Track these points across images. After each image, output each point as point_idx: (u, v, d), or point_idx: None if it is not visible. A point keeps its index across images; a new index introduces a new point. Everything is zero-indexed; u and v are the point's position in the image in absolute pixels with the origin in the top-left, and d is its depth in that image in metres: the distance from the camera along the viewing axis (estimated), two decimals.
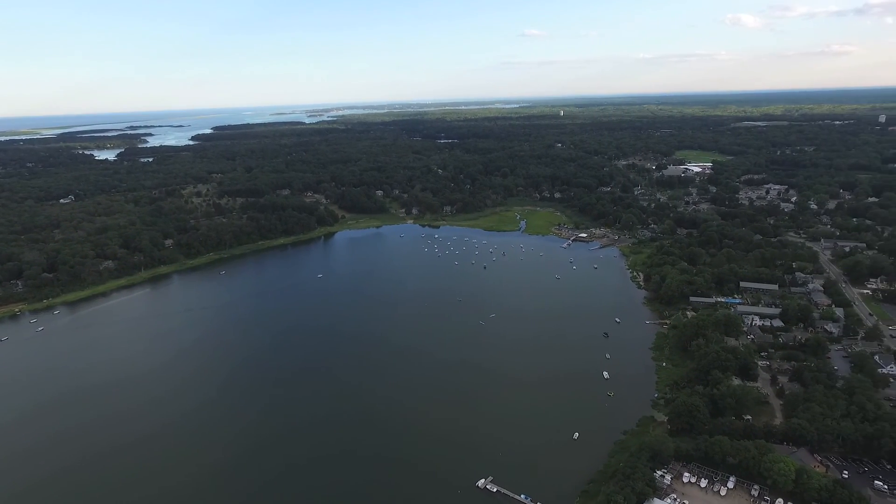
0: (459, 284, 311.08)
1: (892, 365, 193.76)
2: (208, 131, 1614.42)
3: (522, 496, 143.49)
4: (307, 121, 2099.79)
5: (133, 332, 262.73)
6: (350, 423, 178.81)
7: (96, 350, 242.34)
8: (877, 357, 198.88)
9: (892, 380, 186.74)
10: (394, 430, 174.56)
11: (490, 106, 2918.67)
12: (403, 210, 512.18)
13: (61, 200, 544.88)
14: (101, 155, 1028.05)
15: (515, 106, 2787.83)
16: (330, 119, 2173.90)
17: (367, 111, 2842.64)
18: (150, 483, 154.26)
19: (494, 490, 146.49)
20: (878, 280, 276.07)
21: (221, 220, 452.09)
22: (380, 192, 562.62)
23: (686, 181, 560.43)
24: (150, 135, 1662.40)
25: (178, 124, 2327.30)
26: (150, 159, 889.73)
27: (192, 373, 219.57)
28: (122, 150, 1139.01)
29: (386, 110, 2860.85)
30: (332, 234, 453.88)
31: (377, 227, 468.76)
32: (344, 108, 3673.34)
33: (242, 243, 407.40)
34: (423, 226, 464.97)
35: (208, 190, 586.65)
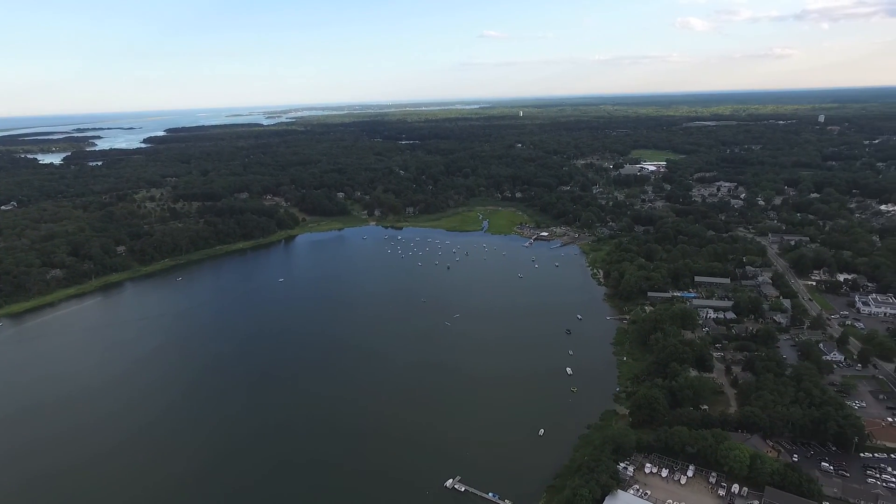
0: (423, 285, 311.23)
1: (835, 352, 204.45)
2: (161, 133, 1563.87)
3: (491, 494, 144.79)
4: (265, 122, 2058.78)
5: (85, 344, 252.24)
6: (315, 430, 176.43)
7: (46, 363, 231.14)
8: (821, 345, 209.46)
9: (835, 366, 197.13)
10: (360, 434, 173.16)
11: (451, 107, 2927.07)
12: (366, 212, 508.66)
13: (2, 207, 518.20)
14: (46, 159, 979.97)
15: (476, 107, 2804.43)
16: (288, 120, 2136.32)
17: (326, 112, 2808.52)
18: (112, 500, 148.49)
19: (463, 490, 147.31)
20: (821, 272, 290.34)
21: (177, 224, 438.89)
22: (341, 195, 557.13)
23: (642, 179, 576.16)
24: (99, 137, 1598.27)
25: (129, 126, 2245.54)
26: (100, 163, 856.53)
27: (151, 383, 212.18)
28: (69, 153, 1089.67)
29: (346, 111, 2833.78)
30: (293, 237, 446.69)
31: (339, 229, 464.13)
32: (303, 109, 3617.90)
33: (200, 248, 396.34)
34: (386, 227, 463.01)
35: (162, 194, 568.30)
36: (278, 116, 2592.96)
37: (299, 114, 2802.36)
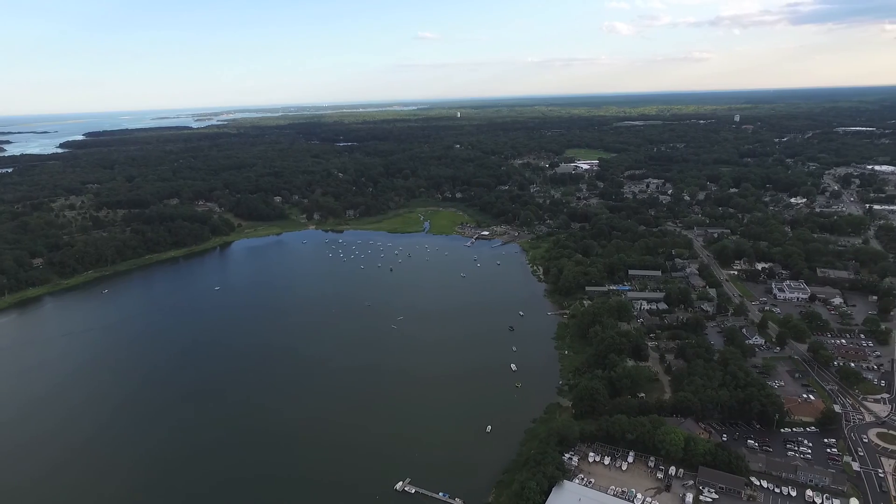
0: (366, 288, 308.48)
1: (756, 336, 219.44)
2: (79, 138, 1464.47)
3: (441, 494, 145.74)
4: (194, 125, 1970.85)
5: (0, 365, 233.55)
6: (258, 444, 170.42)
7: None
8: (744, 330, 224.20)
9: (756, 349, 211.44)
10: (306, 444, 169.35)
11: (388, 108, 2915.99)
12: (304, 216, 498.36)
13: None
14: None
15: (413, 108, 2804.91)
16: (220, 123, 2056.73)
17: (260, 115, 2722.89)
18: None
19: (413, 491, 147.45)
20: (742, 262, 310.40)
21: (101, 234, 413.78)
22: (278, 199, 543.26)
23: (576, 178, 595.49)
24: (9, 142, 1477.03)
25: (43, 130, 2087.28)
26: (10, 169, 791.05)
27: (79, 404, 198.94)
28: None
29: (280, 113, 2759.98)
30: (229, 243, 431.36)
31: (277, 234, 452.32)
32: (234, 111, 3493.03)
33: (127, 258, 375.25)
34: (326, 231, 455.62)
35: (83, 202, 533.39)
36: (208, 119, 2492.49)
37: (231, 116, 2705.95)
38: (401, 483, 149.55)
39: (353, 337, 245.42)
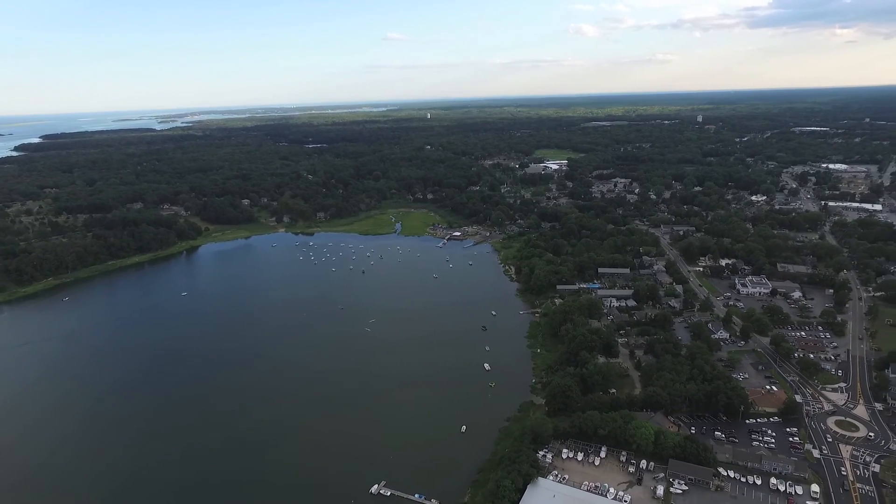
0: (339, 291, 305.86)
1: (721, 330, 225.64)
2: (36, 140, 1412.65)
3: (417, 495, 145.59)
4: (158, 127, 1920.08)
5: None
6: (230, 451, 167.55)
7: None
8: (710, 325, 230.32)
9: (722, 343, 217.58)
10: (277, 451, 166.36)
11: (357, 109, 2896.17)
12: (274, 218, 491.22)
13: None
14: None
15: (383, 109, 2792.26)
16: (185, 125, 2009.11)
17: (226, 116, 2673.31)
18: None
19: (388, 494, 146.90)
20: (706, 258, 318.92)
21: (60, 240, 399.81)
22: (246, 201, 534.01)
23: (546, 178, 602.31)
24: None
25: None
26: None
27: (41, 416, 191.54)
28: None
29: (248, 115, 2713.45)
30: (196, 248, 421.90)
31: (246, 237, 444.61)
32: (200, 113, 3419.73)
33: (89, 265, 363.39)
34: (297, 234, 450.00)
35: (41, 207, 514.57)
36: (173, 121, 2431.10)
37: (196, 118, 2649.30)
38: (376, 486, 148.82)
39: (325, 340, 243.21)
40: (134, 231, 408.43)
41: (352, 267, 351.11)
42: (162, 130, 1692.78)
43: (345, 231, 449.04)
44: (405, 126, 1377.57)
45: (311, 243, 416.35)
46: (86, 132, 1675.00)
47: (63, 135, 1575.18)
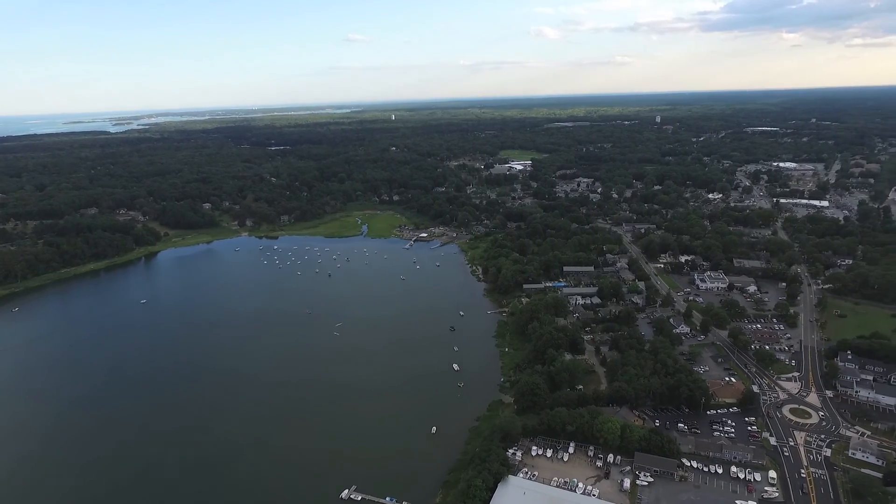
0: (305, 296, 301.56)
1: (682, 325, 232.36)
2: None
3: (388, 499, 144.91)
4: (113, 130, 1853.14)
5: None
6: (187, 472, 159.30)
7: None
8: (671, 320, 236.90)
9: (683, 337, 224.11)
10: (239, 468, 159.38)
11: (321, 111, 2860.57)
12: (236, 222, 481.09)
13: None
14: None
15: (347, 110, 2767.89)
16: (141, 127, 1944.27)
17: (185, 118, 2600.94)
18: None
19: (359, 498, 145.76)
20: (667, 255, 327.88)
21: (9, 248, 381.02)
22: (207, 205, 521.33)
23: (511, 178, 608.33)
24: None
25: None
26: None
27: None
28: None
29: (207, 117, 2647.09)
30: (155, 253, 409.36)
31: (208, 242, 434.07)
32: (157, 115, 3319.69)
33: (40, 274, 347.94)
34: (260, 237, 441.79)
35: None
36: (128, 123, 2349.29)
37: (153, 120, 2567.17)
38: (346, 491, 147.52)
39: (289, 348, 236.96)
40: (88, 237, 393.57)
41: (318, 270, 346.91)
42: (117, 133, 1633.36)
43: (310, 234, 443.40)
44: (370, 127, 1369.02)
45: (276, 247, 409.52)
46: (34, 135, 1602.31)
47: (10, 138, 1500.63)
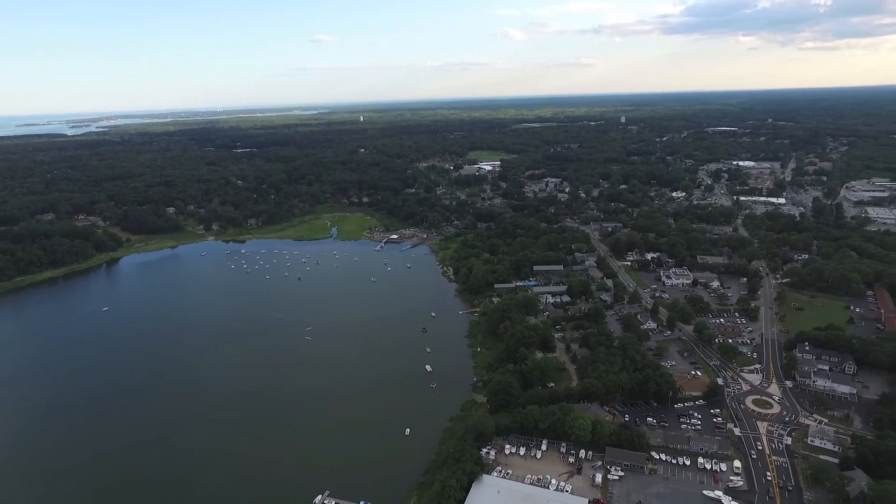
0: (274, 300, 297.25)
1: (649, 321, 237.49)
2: None
3: (362, 502, 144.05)
4: (69, 132, 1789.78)
5: None
6: (150, 488, 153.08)
7: None
8: (639, 316, 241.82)
9: (650, 333, 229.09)
10: (205, 482, 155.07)
11: (287, 113, 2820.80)
12: (202, 227, 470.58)
13: None
14: None
15: (314, 112, 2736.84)
16: (99, 130, 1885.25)
17: (146, 120, 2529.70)
18: None
19: (333, 503, 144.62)
20: (634, 252, 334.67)
21: None
22: (171, 210, 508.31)
23: (480, 179, 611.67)
24: None
25: None
26: None
27: None
28: None
29: (170, 119, 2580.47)
30: (116, 260, 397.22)
31: (172, 247, 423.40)
32: (116, 117, 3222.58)
33: None
34: (227, 241, 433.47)
35: None
36: (86, 125, 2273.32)
37: (112, 122, 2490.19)
38: (320, 496, 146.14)
39: (258, 356, 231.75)
40: (45, 244, 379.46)
41: (287, 274, 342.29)
42: (74, 136, 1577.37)
43: (278, 237, 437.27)
44: (338, 129, 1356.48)
45: (243, 251, 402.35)
46: None
47: None
